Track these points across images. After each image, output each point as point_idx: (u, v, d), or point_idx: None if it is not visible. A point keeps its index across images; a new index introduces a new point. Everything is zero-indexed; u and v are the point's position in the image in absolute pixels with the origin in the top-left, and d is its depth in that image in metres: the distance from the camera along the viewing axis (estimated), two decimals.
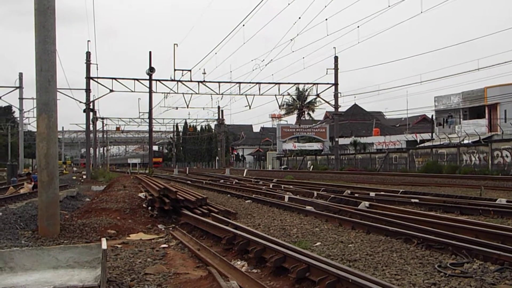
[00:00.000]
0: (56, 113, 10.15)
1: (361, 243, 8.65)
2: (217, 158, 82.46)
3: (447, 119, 55.73)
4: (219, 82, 43.05)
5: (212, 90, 43.05)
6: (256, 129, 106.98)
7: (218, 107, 68.82)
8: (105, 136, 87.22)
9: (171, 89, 42.80)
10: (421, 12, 27.46)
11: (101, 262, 5.54)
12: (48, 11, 10.02)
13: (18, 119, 63.12)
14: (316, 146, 71.90)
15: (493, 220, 11.34)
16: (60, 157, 76.20)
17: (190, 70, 40.59)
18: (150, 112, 42.93)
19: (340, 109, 47.49)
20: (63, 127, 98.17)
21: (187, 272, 6.92)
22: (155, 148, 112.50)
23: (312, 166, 56.01)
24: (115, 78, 40.23)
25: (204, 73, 41.63)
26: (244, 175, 42.54)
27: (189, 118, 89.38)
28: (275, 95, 44.26)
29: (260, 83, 43.08)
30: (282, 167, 66.53)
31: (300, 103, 79.85)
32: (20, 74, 53.55)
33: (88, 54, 40.91)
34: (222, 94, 44.27)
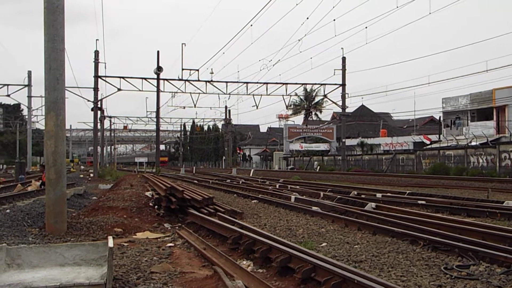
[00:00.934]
0: (64, 111, 10.20)
1: (367, 244, 8.64)
2: (223, 157, 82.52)
3: (455, 121, 55.51)
4: (226, 82, 43.09)
5: (219, 89, 43.11)
6: (263, 129, 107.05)
7: (226, 107, 68.99)
8: (112, 134, 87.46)
9: (178, 89, 42.87)
10: (430, 13, 27.38)
11: (107, 260, 5.56)
12: (57, 10, 10.07)
13: (27, 117, 63.46)
14: (323, 146, 71.85)
15: (500, 222, 11.31)
16: (67, 155, 76.63)
17: (197, 70, 40.66)
18: (157, 111, 43.08)
19: (347, 110, 47.40)
20: (71, 125, 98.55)
21: (193, 271, 6.94)
22: (161, 147, 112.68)
23: (318, 167, 55.94)
24: (123, 77, 40.33)
25: (212, 73, 41.71)
26: (251, 175, 42.56)
27: (196, 118, 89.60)
28: (283, 95, 44.23)
29: (267, 83, 43.07)
30: (289, 167, 66.50)
31: (308, 103, 79.78)
32: (29, 72, 53.88)
33: (96, 53, 41.08)
34: (229, 94, 44.31)
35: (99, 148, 50.02)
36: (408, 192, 19.13)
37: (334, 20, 32.32)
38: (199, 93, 43.37)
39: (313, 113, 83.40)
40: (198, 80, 41.55)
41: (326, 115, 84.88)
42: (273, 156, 78.86)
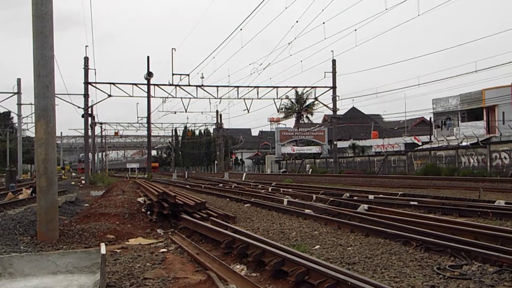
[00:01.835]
0: (54, 119, 10.15)
1: (360, 246, 8.66)
2: (216, 162, 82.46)
3: (445, 122, 55.81)
4: (217, 86, 43.09)
5: (210, 94, 43.11)
6: (255, 133, 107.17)
7: (217, 111, 68.91)
8: (103, 141, 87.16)
9: (169, 94, 42.81)
10: (418, 14, 27.57)
11: (100, 267, 5.54)
12: (46, 17, 10.03)
13: (17, 124, 63.15)
14: (314, 149, 71.96)
15: (491, 222, 11.37)
16: (58, 162, 76.26)
17: (188, 75, 40.64)
18: (148, 117, 43.02)
19: (338, 112, 47.51)
20: (61, 132, 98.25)
21: (186, 277, 6.92)
22: (153, 152, 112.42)
23: (311, 170, 56.01)
24: (113, 83, 40.22)
25: (202, 78, 41.74)
26: (243, 179, 42.55)
27: (187, 123, 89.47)
28: (273, 98, 44.27)
29: (258, 87, 43.11)
30: (281, 170, 66.55)
31: (299, 106, 79.94)
32: (18, 80, 53.65)
33: (86, 59, 40.92)
34: (220, 98, 44.25)
35: (90, 155, 49.81)
36: (400, 193, 19.20)
37: (324, 23, 32.51)
38: (190, 98, 43.36)
39: (304, 116, 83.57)
40: (189, 85, 41.53)
41: (317, 117, 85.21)
42: (265, 160, 78.89)
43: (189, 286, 6.33)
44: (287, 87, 45.00)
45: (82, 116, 42.20)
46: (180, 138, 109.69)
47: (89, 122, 45.14)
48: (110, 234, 10.57)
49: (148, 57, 39.87)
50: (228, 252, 8.34)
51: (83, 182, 42.83)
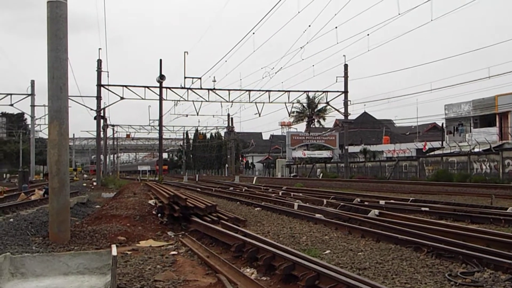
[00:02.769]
0: (67, 120, 10.23)
1: (371, 251, 8.62)
2: (226, 165, 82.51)
3: (458, 127, 55.45)
4: (229, 90, 43.14)
5: (222, 97, 43.17)
6: (266, 136, 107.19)
7: (228, 115, 68.94)
8: (115, 143, 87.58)
9: (181, 97, 42.94)
10: (432, 20, 27.42)
11: (111, 268, 5.56)
12: (61, 19, 10.13)
13: (30, 126, 63.65)
14: (325, 154, 71.84)
15: (504, 229, 11.28)
16: (70, 164, 76.67)
17: (200, 78, 40.74)
18: (160, 120, 43.17)
19: (350, 117, 47.39)
20: (74, 134, 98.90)
21: (196, 279, 6.93)
22: (164, 155, 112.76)
23: (321, 174, 55.89)
24: (125, 86, 40.45)
25: (214, 81, 41.77)
26: (254, 182, 42.53)
27: (199, 126, 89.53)
28: (285, 103, 44.24)
29: (269, 90, 43.11)
30: (292, 174, 66.45)
31: (310, 111, 79.84)
32: (32, 82, 54.14)
33: (99, 61, 41.19)
34: (232, 101, 44.32)
35: (102, 157, 50.07)
36: (411, 199, 19.09)
37: (336, 27, 32.42)
38: (201, 101, 43.48)
39: (316, 120, 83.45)
40: (201, 88, 41.64)
41: (328, 122, 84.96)
42: (275, 164, 78.85)
43: None
44: (298, 91, 45.00)
45: (95, 118, 42.45)
46: (191, 141, 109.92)
47: (101, 124, 45.37)
48: (121, 236, 10.61)
49: (160, 60, 40.05)
50: (238, 255, 8.34)
51: (94, 183, 43.06)
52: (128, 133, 78.65)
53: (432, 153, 50.74)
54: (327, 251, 8.74)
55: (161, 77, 39.63)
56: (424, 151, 54.23)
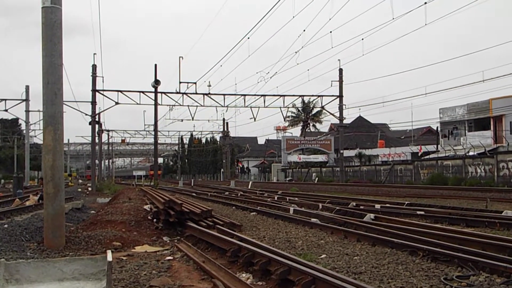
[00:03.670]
0: (62, 126, 10.21)
1: (367, 255, 8.62)
2: (222, 170, 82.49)
3: (452, 131, 55.63)
4: (224, 95, 43.22)
5: (217, 102, 43.23)
6: (261, 141, 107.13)
7: (223, 120, 69.06)
8: (110, 148, 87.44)
9: (176, 102, 42.97)
10: (426, 24, 27.54)
11: (106, 274, 5.54)
12: (55, 25, 10.12)
13: (25, 131, 63.44)
14: (321, 158, 71.87)
15: (499, 232, 11.30)
16: (65, 169, 76.39)
17: (195, 83, 40.80)
18: (155, 125, 43.13)
19: (345, 121, 47.49)
20: (68, 140, 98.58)
21: (192, 285, 6.91)
22: (159, 160, 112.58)
23: (317, 178, 55.95)
24: (120, 91, 40.44)
25: (209, 86, 41.83)
26: (249, 187, 42.51)
27: (194, 130, 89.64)
28: (280, 107, 44.33)
29: (265, 95, 43.19)
30: (287, 179, 66.45)
31: (306, 115, 79.94)
32: (27, 87, 53.96)
33: (94, 67, 41.15)
34: (227, 106, 44.38)
35: (97, 162, 49.96)
36: (406, 202, 19.13)
37: (331, 32, 32.53)
38: (196, 106, 43.55)
39: (311, 124, 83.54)
40: (196, 93, 41.69)
41: (323, 126, 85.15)
42: (271, 168, 78.84)
43: None
44: (293, 95, 45.11)
45: (90, 123, 42.40)
46: (186, 146, 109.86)
47: (96, 129, 45.32)
48: (116, 241, 10.58)
49: (155, 65, 40.06)
50: (234, 260, 8.33)
51: (89, 189, 42.95)
52: (123, 138, 78.62)
53: (427, 156, 50.87)
54: (323, 256, 8.74)
55: (156, 82, 39.64)
56: (420, 153, 54.36)
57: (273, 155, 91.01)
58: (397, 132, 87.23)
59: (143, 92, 40.83)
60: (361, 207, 17.54)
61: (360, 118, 78.44)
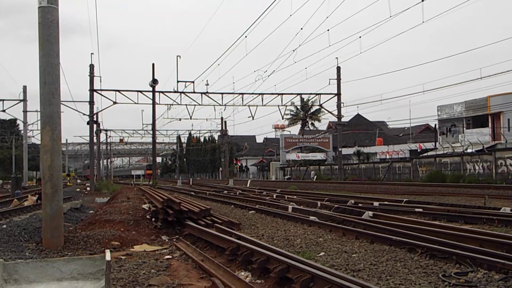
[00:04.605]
0: (60, 126, 10.21)
1: (365, 253, 8.64)
2: (220, 169, 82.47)
3: (450, 128, 55.68)
4: (222, 93, 43.13)
5: (215, 101, 43.14)
6: (260, 139, 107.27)
7: (221, 118, 68.99)
8: (108, 148, 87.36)
9: (174, 101, 42.89)
10: (423, 22, 27.56)
11: (105, 273, 5.54)
12: (52, 24, 10.11)
13: (22, 132, 63.36)
14: (319, 156, 71.84)
15: (497, 229, 11.33)
16: (64, 169, 76.45)
17: (193, 82, 40.69)
18: (153, 124, 43.08)
19: (343, 119, 47.48)
20: (66, 139, 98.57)
21: (191, 283, 6.92)
22: (158, 159, 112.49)
23: (315, 176, 55.93)
24: (118, 90, 40.33)
25: (207, 85, 41.72)
26: (248, 185, 42.54)
27: (192, 130, 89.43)
28: (278, 105, 44.27)
29: (263, 93, 43.13)
30: (286, 177, 66.44)
31: (304, 113, 79.92)
32: (24, 87, 53.89)
33: (91, 66, 41.09)
34: (225, 105, 44.26)
35: (95, 162, 49.90)
36: (405, 200, 19.16)
37: (328, 30, 32.46)
38: (194, 105, 43.38)
39: (310, 122, 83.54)
40: (194, 92, 41.59)
41: (322, 124, 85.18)
42: (269, 167, 78.83)
43: None
44: (291, 94, 45.03)
45: (88, 123, 42.34)
46: (185, 145, 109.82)
47: (94, 129, 45.25)
48: (115, 241, 10.58)
49: (153, 64, 39.92)
50: (233, 259, 8.34)
51: (88, 189, 42.92)
52: (121, 137, 78.53)
53: (425, 154, 50.89)
54: (322, 253, 8.75)
55: (154, 81, 39.55)
56: (419, 150, 54.34)
57: (271, 153, 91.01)
58: (395, 130, 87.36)
59: (141, 91, 40.75)
60: (360, 204, 17.56)
61: (358, 116, 78.47)
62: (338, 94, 44.31)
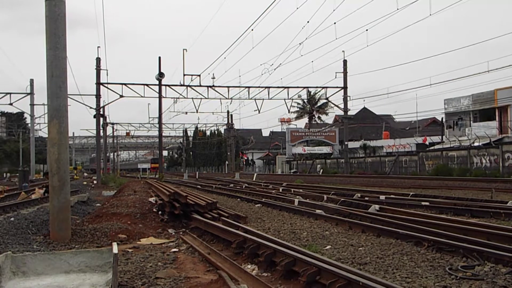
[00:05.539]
0: (67, 119, 10.24)
1: (372, 246, 8.63)
2: (226, 162, 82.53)
3: (457, 122, 55.43)
4: (228, 87, 43.07)
5: (221, 94, 43.10)
6: (266, 133, 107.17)
7: (228, 112, 68.89)
8: (115, 141, 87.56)
9: (180, 94, 42.89)
10: (430, 14, 27.46)
11: (112, 266, 5.58)
12: (59, 18, 10.12)
13: (30, 125, 63.62)
14: (325, 149, 71.73)
15: (504, 222, 11.30)
16: (70, 162, 76.69)
17: (199, 75, 40.66)
18: (159, 117, 43.15)
19: (349, 113, 47.28)
20: (73, 133, 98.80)
21: (197, 276, 6.94)
22: (164, 153, 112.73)
23: (321, 170, 55.88)
24: (124, 84, 40.36)
25: (213, 78, 41.65)
26: (254, 179, 42.56)
27: (199, 123, 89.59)
28: (284, 99, 44.17)
29: (269, 87, 43.04)
30: (292, 171, 66.41)
31: (311, 107, 79.76)
32: (31, 81, 54.08)
33: (98, 60, 41.13)
34: (231, 98, 44.19)
35: (102, 155, 50.06)
36: (411, 193, 19.12)
37: (335, 23, 32.34)
38: (201, 99, 43.36)
39: (316, 116, 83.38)
40: (200, 86, 41.56)
41: (328, 118, 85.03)
42: (275, 160, 78.80)
43: (200, 286, 6.35)
44: (298, 87, 44.94)
45: (94, 116, 42.43)
46: (191, 138, 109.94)
47: (101, 123, 45.35)
48: (122, 233, 10.63)
49: (159, 57, 39.91)
50: (239, 252, 8.36)
51: (95, 182, 43.08)
52: (127, 131, 78.68)
53: (432, 147, 50.72)
54: (328, 247, 8.76)
55: (160, 75, 39.55)
56: (424, 142, 54.15)
57: (277, 147, 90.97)
58: (402, 123, 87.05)
59: (147, 85, 40.77)
60: (366, 198, 17.55)
61: (364, 110, 78.24)
62: (345, 88, 44.17)
